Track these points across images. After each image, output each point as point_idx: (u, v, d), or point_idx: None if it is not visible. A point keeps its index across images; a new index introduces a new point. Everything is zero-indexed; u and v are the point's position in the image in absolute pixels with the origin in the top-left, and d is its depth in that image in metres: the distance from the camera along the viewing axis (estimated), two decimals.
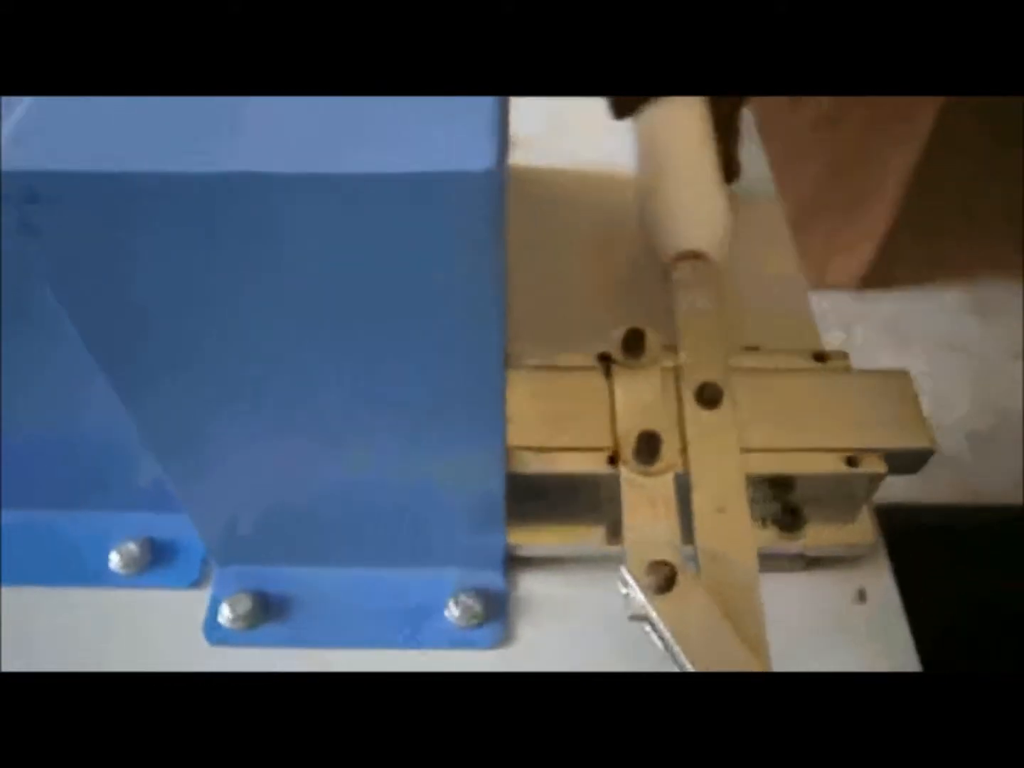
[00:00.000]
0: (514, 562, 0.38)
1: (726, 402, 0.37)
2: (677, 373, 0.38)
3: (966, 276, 1.35)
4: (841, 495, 0.38)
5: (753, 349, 0.41)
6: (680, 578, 0.32)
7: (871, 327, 1.31)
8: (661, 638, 0.31)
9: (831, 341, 0.47)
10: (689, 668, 0.30)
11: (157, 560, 0.39)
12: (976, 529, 0.69)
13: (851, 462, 0.37)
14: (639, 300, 0.44)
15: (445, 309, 0.26)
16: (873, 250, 1.29)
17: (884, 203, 1.22)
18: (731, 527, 0.33)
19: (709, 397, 0.37)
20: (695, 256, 0.42)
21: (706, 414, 0.37)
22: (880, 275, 1.33)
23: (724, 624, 0.31)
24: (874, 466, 0.37)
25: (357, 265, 0.24)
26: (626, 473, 0.35)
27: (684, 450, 0.36)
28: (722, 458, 0.35)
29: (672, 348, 0.39)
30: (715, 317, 0.40)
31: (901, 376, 0.39)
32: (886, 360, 1.24)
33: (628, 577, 0.32)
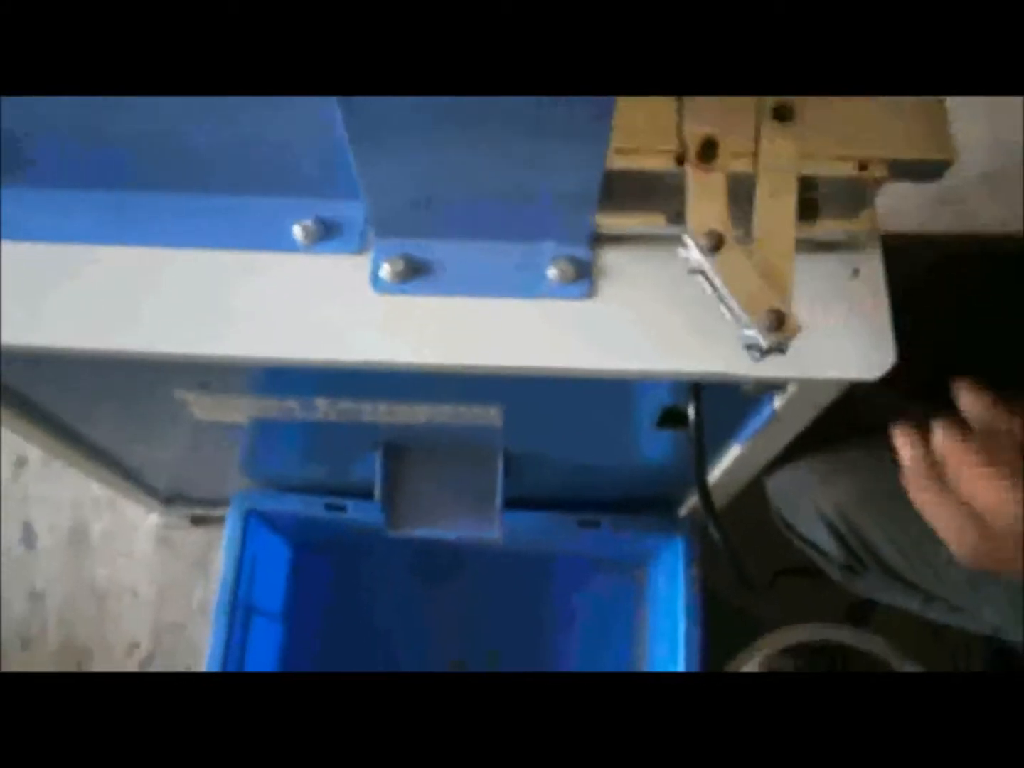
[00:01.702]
0: (598, 239, 0.51)
1: (796, 118, 0.47)
2: None
3: None
4: (851, 195, 0.49)
5: None
6: (726, 244, 0.44)
7: None
8: (712, 285, 0.45)
9: None
10: (733, 305, 0.44)
11: (327, 234, 0.52)
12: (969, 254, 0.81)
13: (861, 167, 0.48)
14: None
15: None
16: None
17: None
18: (780, 209, 0.46)
19: (783, 113, 0.46)
20: None
21: (777, 127, 0.46)
22: None
23: (759, 276, 0.44)
24: (879, 171, 0.48)
25: None
26: (690, 169, 0.47)
27: (738, 155, 0.47)
28: (781, 161, 0.46)
29: None
30: None
31: (937, 103, 0.49)
32: None
33: (689, 240, 0.45)
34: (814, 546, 0.74)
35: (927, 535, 0.66)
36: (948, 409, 0.69)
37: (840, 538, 0.70)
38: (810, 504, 0.71)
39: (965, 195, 1.26)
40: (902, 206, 0.71)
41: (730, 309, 0.44)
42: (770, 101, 0.47)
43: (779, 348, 0.44)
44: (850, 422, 0.68)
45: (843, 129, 0.48)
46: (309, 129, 0.46)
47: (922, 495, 0.49)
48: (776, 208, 0.46)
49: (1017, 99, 1.31)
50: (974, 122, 1.29)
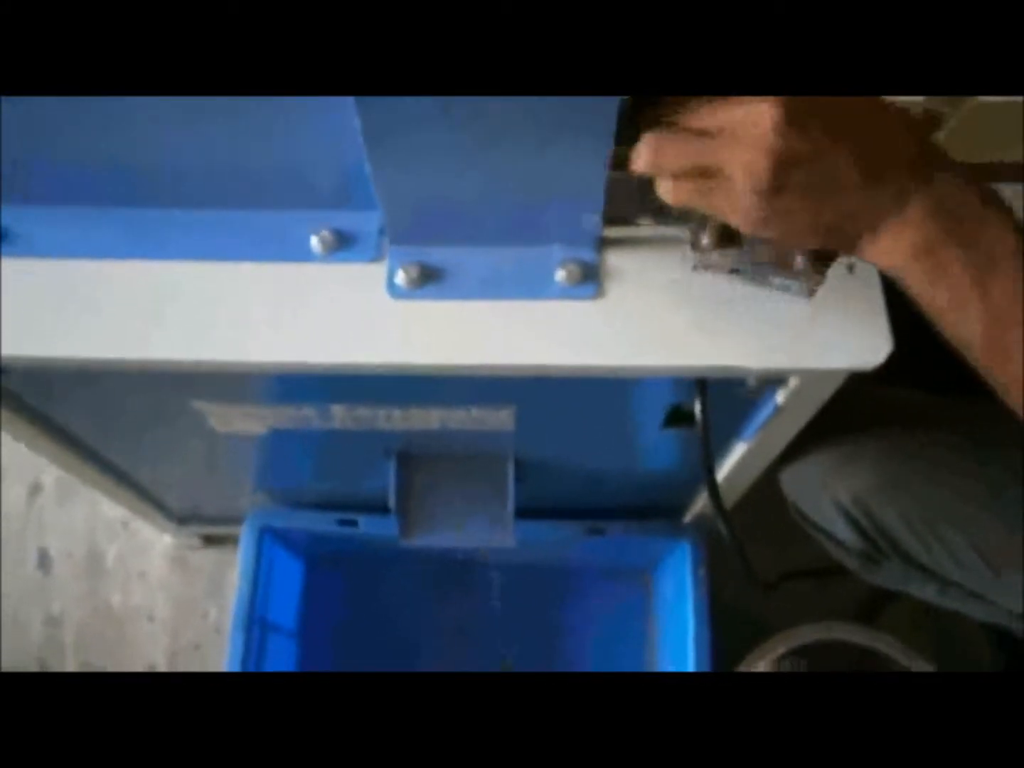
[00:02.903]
0: (604, 242, 0.53)
1: None
2: None
3: None
4: None
5: None
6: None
7: None
8: (726, 270, 0.47)
9: None
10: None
11: (343, 244, 0.54)
12: None
13: None
14: None
15: None
16: None
17: None
18: None
19: None
20: None
21: None
22: None
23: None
24: None
25: None
26: None
27: None
28: None
29: None
30: None
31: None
32: None
33: (706, 239, 0.47)
34: (831, 536, 0.75)
35: (946, 518, 0.68)
36: (950, 398, 0.72)
37: (858, 527, 0.71)
38: (826, 494, 0.72)
39: None
40: None
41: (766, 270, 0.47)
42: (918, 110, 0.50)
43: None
44: (860, 414, 0.70)
45: None
46: (324, 144, 0.48)
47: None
48: None
49: None
50: None
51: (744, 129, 0.40)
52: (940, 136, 0.52)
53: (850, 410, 0.61)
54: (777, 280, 0.48)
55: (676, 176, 0.43)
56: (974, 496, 0.68)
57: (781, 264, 0.47)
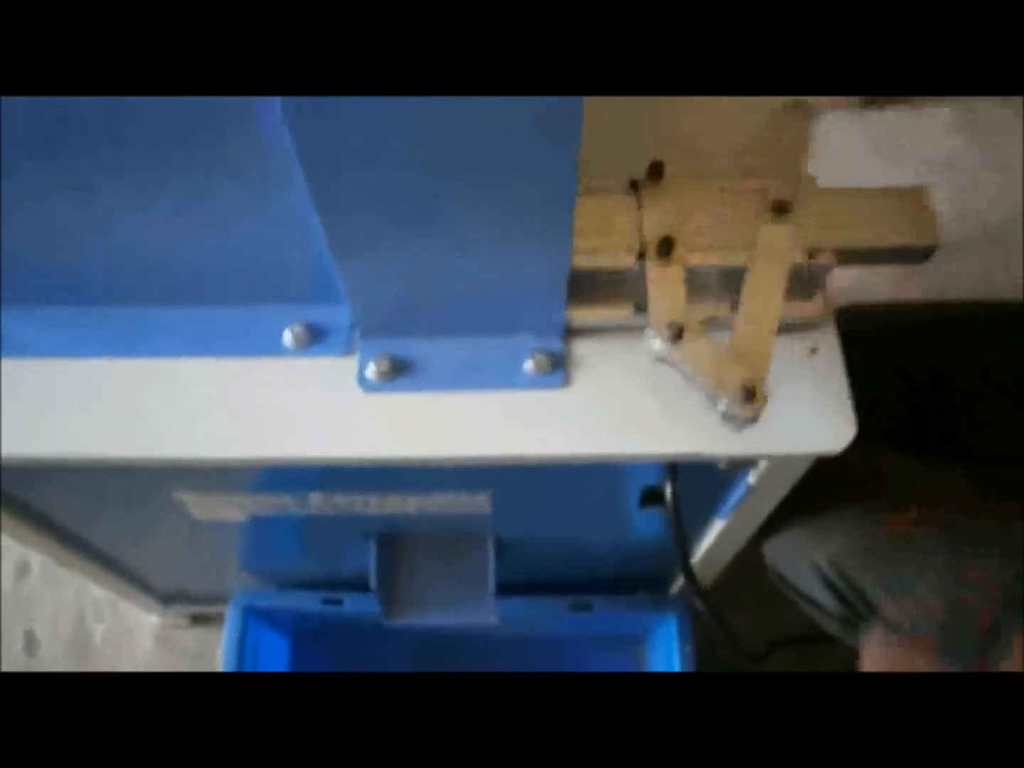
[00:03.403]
0: (569, 332, 0.54)
1: (792, 215, 0.50)
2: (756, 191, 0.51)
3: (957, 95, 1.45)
4: (802, 280, 0.53)
5: None
6: (687, 332, 0.48)
7: (865, 145, 1.42)
8: (681, 372, 0.48)
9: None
10: (703, 386, 0.47)
11: (316, 338, 0.55)
12: (920, 320, 0.85)
13: (810, 255, 0.52)
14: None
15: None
16: None
17: None
18: (767, 294, 0.49)
19: (781, 208, 0.50)
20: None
21: (773, 223, 0.50)
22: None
23: (726, 354, 0.47)
24: (826, 259, 0.52)
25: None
26: (649, 266, 0.50)
27: (694, 250, 0.50)
28: (775, 252, 0.50)
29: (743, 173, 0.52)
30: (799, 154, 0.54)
31: (915, 191, 0.53)
32: (882, 174, 1.36)
33: (652, 333, 0.48)
34: (812, 602, 0.76)
35: (921, 581, 0.68)
36: (927, 462, 0.72)
37: (836, 590, 0.72)
38: (806, 560, 0.72)
39: (934, 263, 1.32)
40: (874, 278, 0.75)
41: (702, 388, 0.47)
42: (769, 199, 0.51)
43: (753, 418, 0.46)
44: (837, 479, 0.71)
45: (835, 220, 0.52)
46: (295, 241, 0.50)
47: None
48: (764, 295, 0.49)
49: (971, 174, 1.37)
50: (937, 196, 1.36)
51: None
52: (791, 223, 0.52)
53: (828, 475, 0.62)
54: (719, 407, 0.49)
55: None
56: (948, 560, 0.68)
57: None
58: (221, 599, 0.95)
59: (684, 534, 0.59)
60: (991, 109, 1.43)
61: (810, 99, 0.57)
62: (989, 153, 1.38)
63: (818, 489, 0.67)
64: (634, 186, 0.53)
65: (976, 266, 1.28)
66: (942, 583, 0.68)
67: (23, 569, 1.17)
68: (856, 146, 1.42)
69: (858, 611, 0.73)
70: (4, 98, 0.39)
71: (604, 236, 0.51)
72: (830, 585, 0.72)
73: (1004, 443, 0.79)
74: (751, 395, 0.46)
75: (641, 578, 0.92)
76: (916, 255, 0.53)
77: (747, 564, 0.80)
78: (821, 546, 0.72)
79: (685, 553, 0.60)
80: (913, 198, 0.53)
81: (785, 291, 0.52)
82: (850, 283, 0.55)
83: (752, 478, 0.59)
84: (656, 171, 0.52)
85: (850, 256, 0.52)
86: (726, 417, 0.47)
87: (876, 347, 0.82)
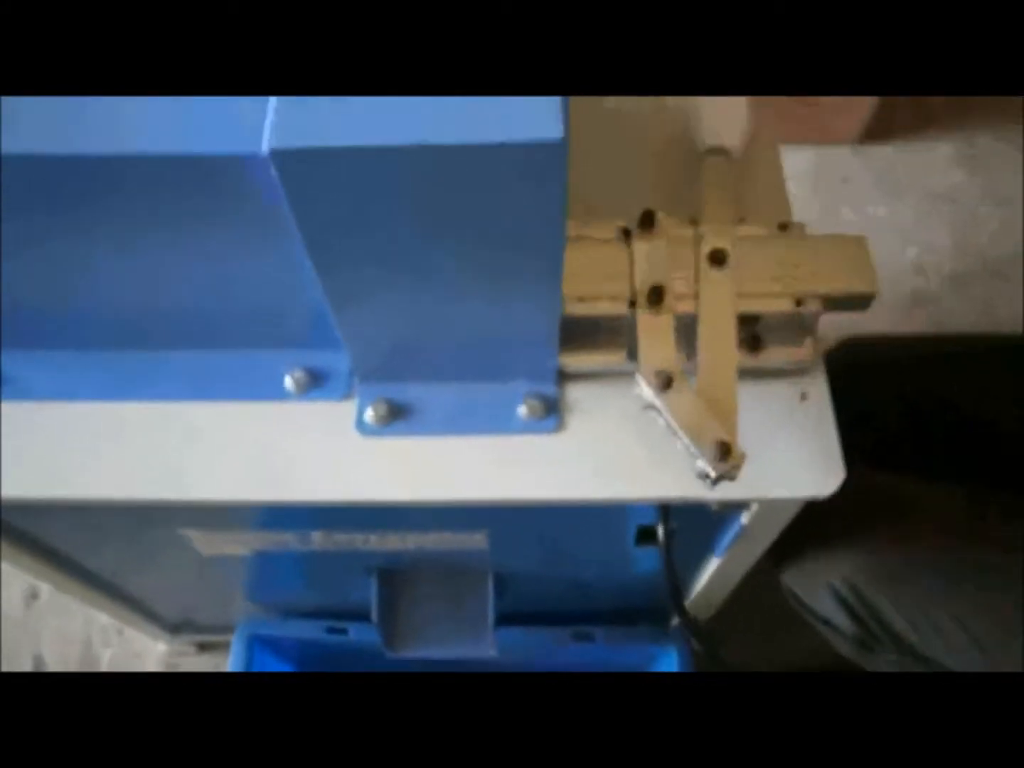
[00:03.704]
0: (562, 376, 0.56)
1: (730, 261, 0.52)
2: (694, 240, 0.53)
3: (956, 129, 1.46)
4: (792, 326, 0.54)
5: (741, 221, 0.56)
6: (675, 382, 0.49)
7: (867, 179, 1.43)
8: (665, 421, 0.49)
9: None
10: (683, 438, 0.48)
11: (315, 383, 0.56)
12: (922, 351, 0.86)
13: (798, 303, 0.53)
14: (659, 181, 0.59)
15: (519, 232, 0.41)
16: (872, 107, 1.39)
17: None
18: (720, 347, 0.50)
19: (718, 258, 0.52)
20: (721, 151, 0.57)
21: (714, 271, 0.52)
22: (878, 131, 1.44)
23: (706, 410, 0.48)
24: (814, 306, 0.53)
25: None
26: (640, 314, 0.51)
27: (681, 298, 0.52)
28: (719, 302, 0.51)
29: (690, 222, 0.54)
30: (730, 201, 0.55)
31: (857, 239, 0.54)
32: (879, 208, 1.37)
33: (641, 380, 0.49)
34: (826, 622, 0.76)
35: (936, 603, 0.69)
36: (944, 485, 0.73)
37: (851, 610, 0.72)
38: (822, 581, 0.73)
39: (938, 296, 1.33)
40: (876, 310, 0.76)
41: (681, 442, 0.48)
42: (706, 248, 0.52)
43: (728, 476, 0.47)
44: (854, 501, 0.72)
45: (775, 269, 0.53)
46: (294, 289, 0.51)
47: None
48: (717, 346, 0.50)
49: (972, 208, 1.38)
50: (938, 230, 1.37)
51: None
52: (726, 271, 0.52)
53: (845, 497, 0.63)
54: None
55: None
56: (965, 581, 0.69)
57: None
58: (227, 628, 0.96)
59: (676, 574, 0.60)
60: (991, 143, 1.44)
61: (728, 144, 0.58)
62: (990, 187, 1.39)
63: (835, 507, 0.68)
64: (626, 234, 0.54)
65: (977, 299, 1.29)
66: (955, 607, 0.69)
67: (33, 595, 1.19)
68: (858, 180, 1.43)
69: (872, 632, 0.74)
70: (4, 151, 0.40)
71: (596, 284, 0.52)
72: (845, 605, 0.73)
73: (1006, 469, 0.80)
74: (726, 452, 0.47)
75: (641, 611, 0.92)
76: (856, 303, 0.53)
77: (754, 589, 0.80)
78: (838, 568, 0.73)
79: (677, 592, 0.61)
80: (850, 248, 0.54)
81: (774, 337, 0.54)
82: (846, 318, 0.56)
83: (745, 519, 0.60)
84: (648, 220, 0.54)
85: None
86: (700, 475, 0.48)
87: (879, 376, 0.83)
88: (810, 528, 0.67)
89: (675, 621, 0.94)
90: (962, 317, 1.28)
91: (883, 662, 0.77)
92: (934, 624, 0.70)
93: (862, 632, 0.74)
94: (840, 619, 0.74)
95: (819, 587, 0.74)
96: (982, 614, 0.69)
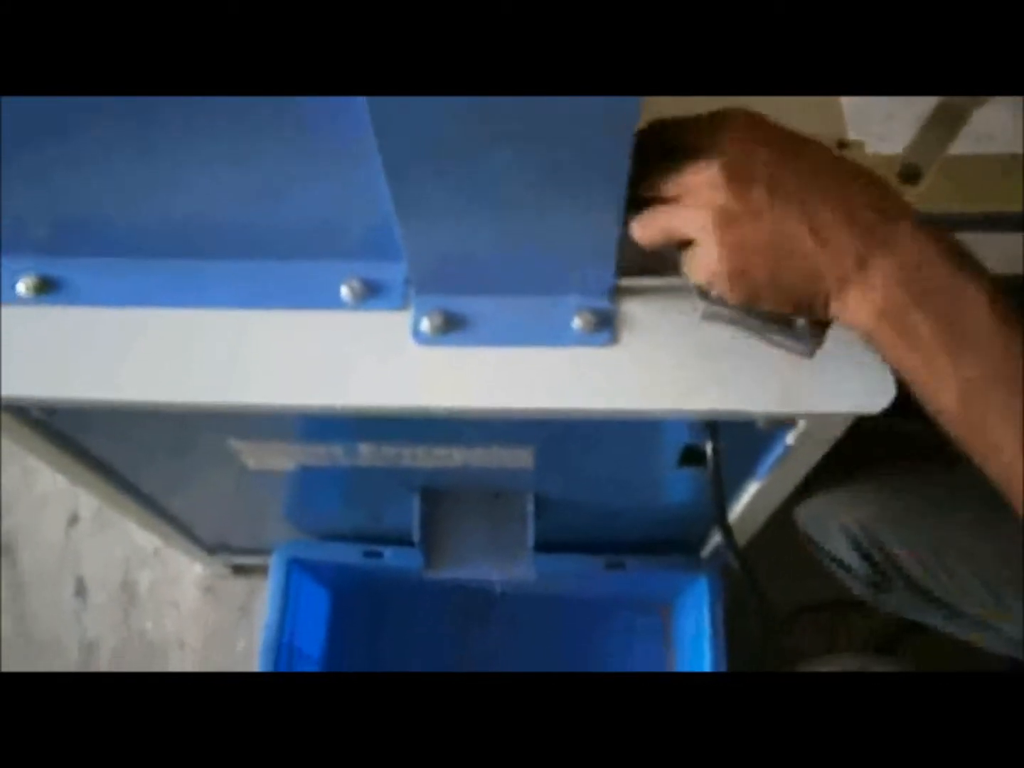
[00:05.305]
0: (618, 291, 0.56)
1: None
2: None
3: None
4: None
5: None
6: None
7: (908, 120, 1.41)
8: (731, 322, 0.49)
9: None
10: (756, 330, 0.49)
11: (372, 293, 0.57)
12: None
13: None
14: None
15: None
16: None
17: None
18: None
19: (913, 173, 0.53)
20: None
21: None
22: None
23: None
24: None
25: None
26: None
27: None
28: None
29: None
30: None
31: None
32: None
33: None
34: (841, 564, 0.77)
35: (949, 548, 0.69)
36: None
37: (865, 554, 0.73)
38: (836, 523, 0.74)
39: None
40: None
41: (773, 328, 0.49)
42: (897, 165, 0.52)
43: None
44: (872, 445, 0.72)
45: None
46: (355, 199, 0.51)
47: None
48: None
49: None
50: None
51: (696, 191, 0.43)
52: (920, 189, 0.54)
53: (863, 442, 0.63)
54: (777, 338, 0.50)
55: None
56: (977, 526, 0.70)
57: (782, 322, 0.49)
58: (264, 551, 0.98)
59: (723, 490, 0.60)
60: None
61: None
62: None
63: (850, 454, 0.68)
64: None
65: None
66: (965, 546, 0.70)
67: (73, 519, 1.22)
68: None
69: (887, 575, 0.75)
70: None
71: None
72: (860, 548, 0.74)
73: None
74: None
75: (673, 541, 0.94)
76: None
77: (781, 529, 0.81)
78: (852, 510, 0.74)
79: (723, 509, 0.62)
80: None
81: None
82: None
83: (791, 438, 0.61)
84: None
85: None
86: (800, 333, 0.48)
87: None
88: (825, 469, 0.68)
89: (705, 553, 0.95)
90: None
91: (895, 601, 0.78)
92: (944, 564, 0.70)
93: (874, 573, 0.75)
94: (853, 560, 0.75)
95: (833, 529, 0.75)
96: (992, 553, 0.69)
